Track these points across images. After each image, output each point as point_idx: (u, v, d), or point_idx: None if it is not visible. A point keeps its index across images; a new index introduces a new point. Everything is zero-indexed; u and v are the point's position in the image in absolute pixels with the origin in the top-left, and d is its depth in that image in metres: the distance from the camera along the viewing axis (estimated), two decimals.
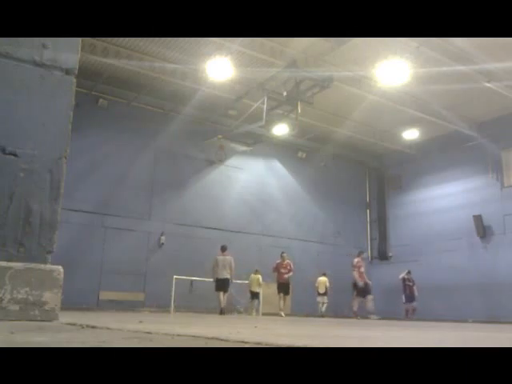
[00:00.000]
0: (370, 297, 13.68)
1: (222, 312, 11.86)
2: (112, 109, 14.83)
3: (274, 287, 13.94)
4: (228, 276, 12.21)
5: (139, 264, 14.63)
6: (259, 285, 13.99)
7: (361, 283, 13.52)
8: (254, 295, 14.02)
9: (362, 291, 13.53)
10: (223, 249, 12.50)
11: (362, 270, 13.84)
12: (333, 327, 4.49)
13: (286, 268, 13.54)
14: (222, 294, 12.15)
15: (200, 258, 14.82)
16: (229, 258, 12.35)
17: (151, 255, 15.02)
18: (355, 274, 13.64)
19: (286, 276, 13.43)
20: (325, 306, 14.99)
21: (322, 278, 15.21)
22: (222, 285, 12.15)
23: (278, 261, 13.72)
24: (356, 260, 13.96)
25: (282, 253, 13.92)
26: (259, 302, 14.18)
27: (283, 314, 12.94)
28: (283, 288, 13.44)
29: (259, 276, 14.03)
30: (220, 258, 12.31)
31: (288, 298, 13.96)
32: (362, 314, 13.63)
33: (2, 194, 2.08)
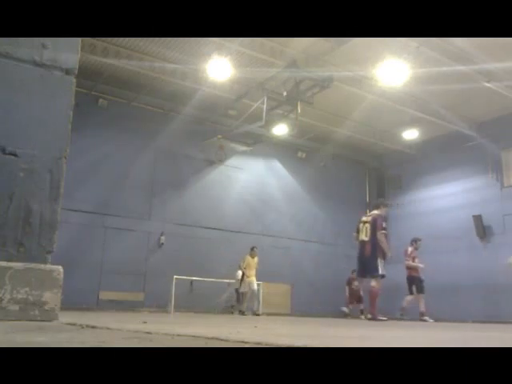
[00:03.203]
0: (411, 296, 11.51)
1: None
2: (112, 109, 14.82)
3: (274, 287, 13.78)
4: None
5: (139, 264, 14.63)
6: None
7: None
8: None
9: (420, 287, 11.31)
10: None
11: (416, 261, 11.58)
12: (333, 327, 4.50)
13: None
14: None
15: (200, 258, 14.83)
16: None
17: (151, 255, 15.02)
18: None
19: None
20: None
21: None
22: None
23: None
24: (410, 249, 11.62)
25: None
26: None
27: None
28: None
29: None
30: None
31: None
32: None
33: (1, 194, 2.08)
